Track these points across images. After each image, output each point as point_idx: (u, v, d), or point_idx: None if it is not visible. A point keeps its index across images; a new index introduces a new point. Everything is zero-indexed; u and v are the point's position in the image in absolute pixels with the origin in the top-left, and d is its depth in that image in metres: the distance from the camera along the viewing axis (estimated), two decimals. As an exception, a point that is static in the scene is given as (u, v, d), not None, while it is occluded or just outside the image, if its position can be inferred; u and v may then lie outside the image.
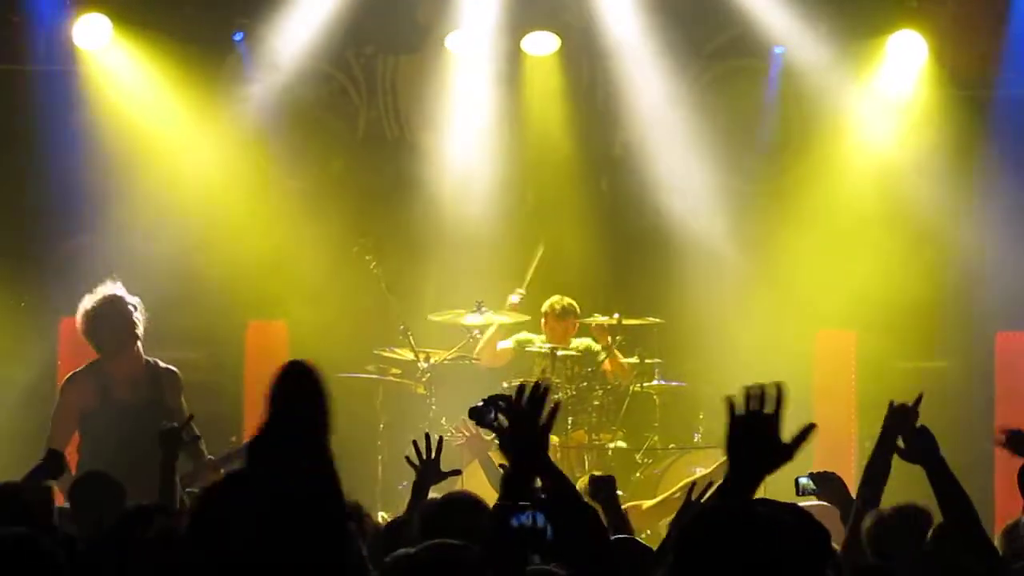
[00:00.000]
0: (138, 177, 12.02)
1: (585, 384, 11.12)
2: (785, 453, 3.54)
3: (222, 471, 8.97)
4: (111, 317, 8.77)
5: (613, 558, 4.22)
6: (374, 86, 12.83)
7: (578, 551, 3.96)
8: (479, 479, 9.47)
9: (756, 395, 3.52)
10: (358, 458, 10.71)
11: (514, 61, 12.58)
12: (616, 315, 11.40)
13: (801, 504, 6.80)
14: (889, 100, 12.46)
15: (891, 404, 6.10)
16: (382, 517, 8.92)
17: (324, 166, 12.67)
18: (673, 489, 10.06)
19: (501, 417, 4.18)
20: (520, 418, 4.02)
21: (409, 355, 11.29)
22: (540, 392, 4.01)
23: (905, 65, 12.40)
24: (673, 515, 6.17)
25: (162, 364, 9.00)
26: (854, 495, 6.63)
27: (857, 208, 12.33)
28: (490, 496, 4.56)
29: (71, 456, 8.36)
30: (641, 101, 12.58)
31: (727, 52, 12.73)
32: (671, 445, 11.17)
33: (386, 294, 11.57)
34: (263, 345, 12.39)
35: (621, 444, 11.14)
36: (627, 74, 12.55)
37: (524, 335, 11.64)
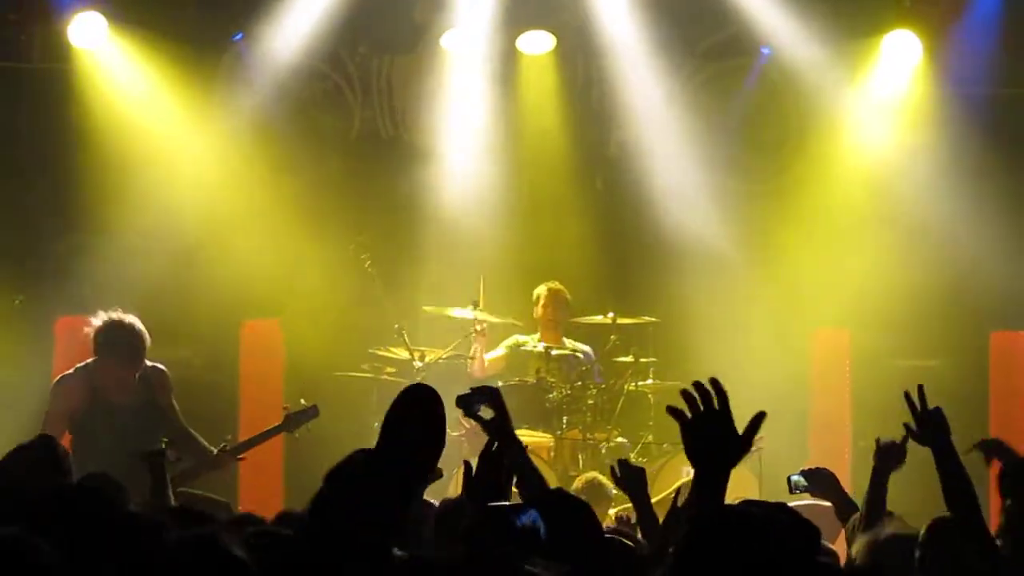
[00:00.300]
0: (133, 176, 12.01)
1: (580, 383, 11.13)
2: (742, 445, 3.56)
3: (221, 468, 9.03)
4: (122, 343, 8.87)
5: (608, 556, 4.23)
6: (369, 85, 12.83)
7: (572, 549, 3.97)
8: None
9: (697, 396, 3.53)
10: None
11: (509, 60, 12.59)
12: (611, 314, 11.42)
13: (797, 503, 6.84)
14: (884, 99, 12.48)
15: (878, 441, 6.19)
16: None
17: (319, 165, 12.66)
18: (669, 490, 10.06)
19: (485, 409, 4.22)
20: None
21: (404, 354, 11.29)
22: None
23: (900, 64, 12.41)
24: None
25: (149, 363, 9.02)
26: (848, 492, 6.66)
27: (853, 207, 12.36)
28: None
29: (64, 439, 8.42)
30: (636, 100, 12.59)
31: (722, 51, 12.75)
32: (665, 444, 11.17)
33: (381, 293, 11.57)
34: (258, 344, 12.40)
35: (621, 440, 11.14)
36: (622, 73, 12.57)
37: (515, 338, 11.65)
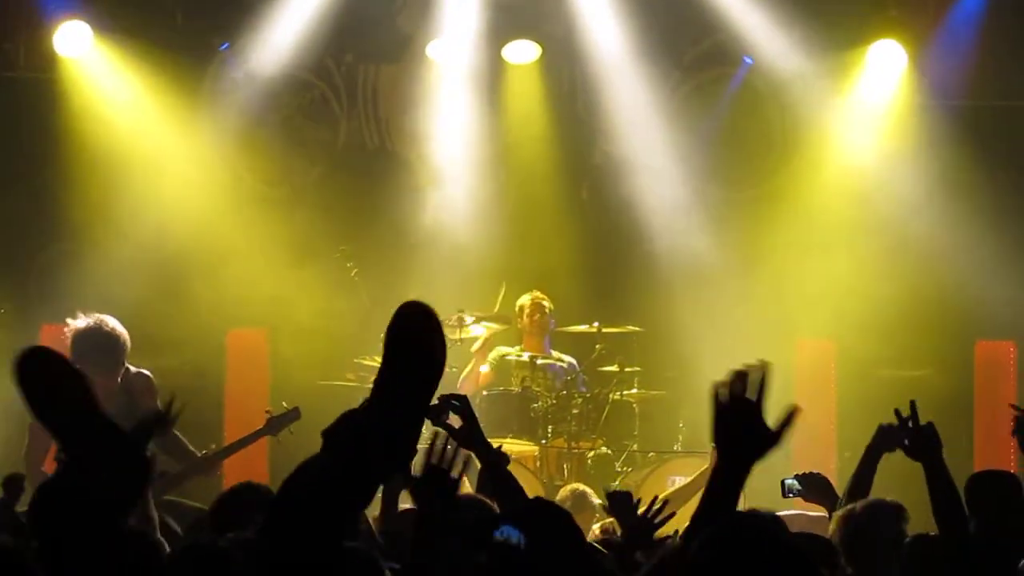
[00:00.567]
0: (119, 185, 12.00)
1: (565, 392, 11.12)
2: (773, 438, 3.55)
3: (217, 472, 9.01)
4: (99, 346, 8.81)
5: (590, 566, 4.22)
6: (355, 94, 12.82)
7: (553, 559, 3.96)
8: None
9: (738, 380, 3.52)
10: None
11: (495, 69, 12.59)
12: (596, 323, 11.42)
13: (789, 512, 6.84)
14: (869, 110, 12.50)
15: (880, 426, 6.17)
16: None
17: (304, 174, 12.66)
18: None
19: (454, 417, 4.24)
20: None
21: (389, 363, 11.25)
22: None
23: (885, 74, 12.43)
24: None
25: (133, 369, 8.99)
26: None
27: (838, 217, 12.37)
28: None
29: (49, 466, 8.34)
30: (622, 109, 12.60)
31: (707, 61, 12.77)
32: (650, 453, 11.17)
33: (366, 301, 11.56)
34: (244, 353, 12.39)
35: (605, 451, 11.13)
36: (608, 83, 12.58)
37: (498, 350, 11.63)
